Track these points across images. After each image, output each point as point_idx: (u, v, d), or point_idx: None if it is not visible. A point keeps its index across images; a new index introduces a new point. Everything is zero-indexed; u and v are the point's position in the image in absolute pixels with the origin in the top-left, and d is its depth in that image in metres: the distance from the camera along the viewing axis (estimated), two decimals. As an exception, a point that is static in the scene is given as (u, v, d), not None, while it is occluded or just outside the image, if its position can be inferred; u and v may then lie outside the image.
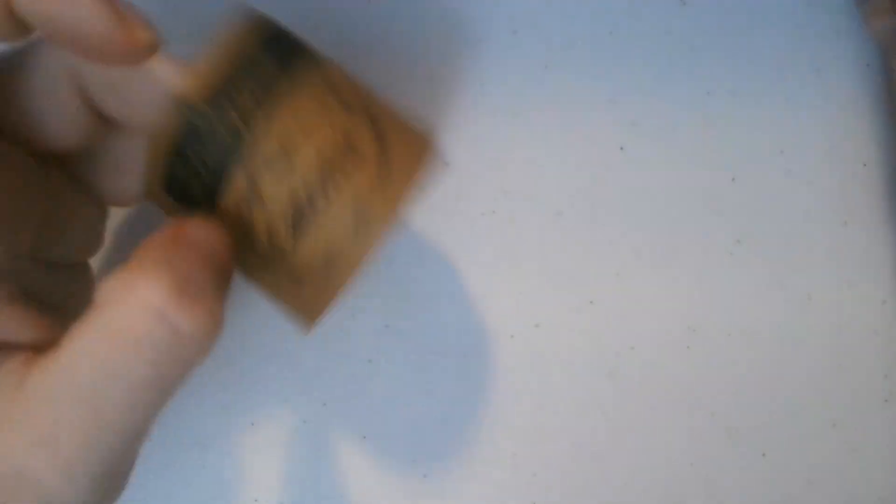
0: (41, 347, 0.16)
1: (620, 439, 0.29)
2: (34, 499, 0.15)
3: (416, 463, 0.29)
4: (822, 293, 0.29)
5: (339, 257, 0.18)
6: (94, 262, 0.24)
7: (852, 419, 0.28)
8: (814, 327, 0.29)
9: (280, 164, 0.18)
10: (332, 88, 0.18)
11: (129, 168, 0.21)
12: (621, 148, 0.28)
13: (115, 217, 0.26)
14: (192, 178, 0.18)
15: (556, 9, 0.27)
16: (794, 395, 0.29)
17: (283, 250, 0.18)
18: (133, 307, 0.15)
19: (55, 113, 0.18)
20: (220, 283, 0.17)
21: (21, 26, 0.16)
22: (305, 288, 0.19)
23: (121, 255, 0.26)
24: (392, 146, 0.19)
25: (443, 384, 0.29)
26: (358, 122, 0.18)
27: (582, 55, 0.28)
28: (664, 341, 0.29)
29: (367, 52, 0.27)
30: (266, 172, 0.17)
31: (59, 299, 0.20)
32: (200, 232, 0.17)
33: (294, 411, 0.28)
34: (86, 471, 0.15)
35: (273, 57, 0.18)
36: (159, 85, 0.18)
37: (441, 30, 0.27)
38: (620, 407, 0.29)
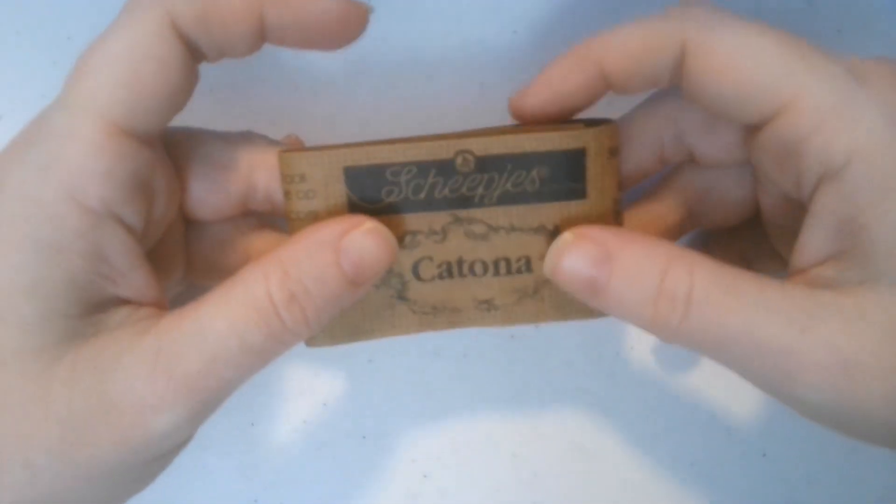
0: (158, 305, 0.20)
1: (620, 439, 0.29)
2: (135, 419, 0.18)
3: (416, 463, 0.29)
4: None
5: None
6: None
7: (852, 419, 0.28)
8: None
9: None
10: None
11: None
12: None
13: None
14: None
15: (556, 9, 0.27)
16: (794, 395, 0.29)
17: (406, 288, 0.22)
18: (262, 293, 0.18)
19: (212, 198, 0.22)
20: (335, 300, 0.19)
21: (259, 41, 0.20)
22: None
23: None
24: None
25: (443, 384, 0.29)
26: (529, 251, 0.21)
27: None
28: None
29: (367, 53, 0.27)
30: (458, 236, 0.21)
31: None
32: (360, 247, 0.19)
33: (294, 411, 0.28)
34: (187, 404, 0.18)
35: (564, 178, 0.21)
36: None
37: (441, 30, 0.27)
38: (621, 407, 0.29)
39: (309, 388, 0.28)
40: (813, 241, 0.19)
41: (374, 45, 0.27)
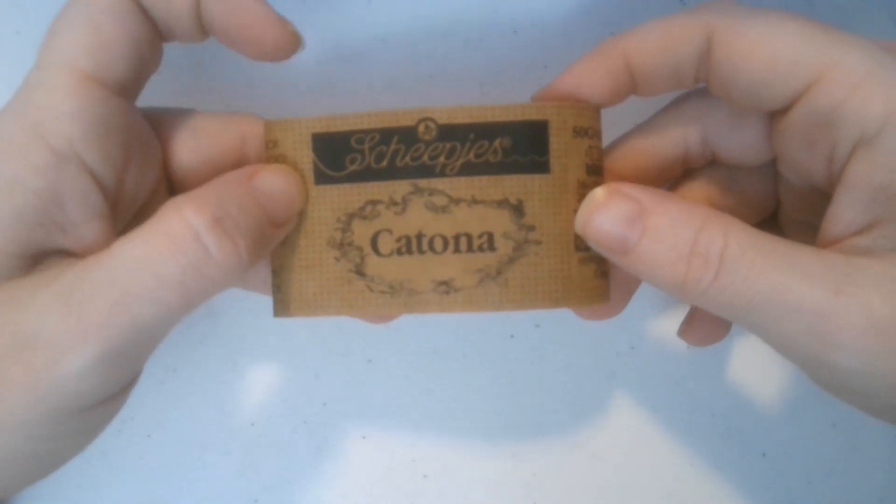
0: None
1: (620, 439, 0.29)
2: (45, 358, 0.18)
3: (416, 463, 0.29)
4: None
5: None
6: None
7: (852, 419, 0.28)
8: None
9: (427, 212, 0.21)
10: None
11: None
12: (621, 148, 0.28)
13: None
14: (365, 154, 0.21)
15: (556, 9, 0.27)
16: (794, 395, 0.29)
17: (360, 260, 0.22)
18: (176, 221, 0.18)
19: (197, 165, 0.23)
20: (260, 231, 0.19)
21: (201, 28, 0.20)
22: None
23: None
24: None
25: (443, 384, 0.29)
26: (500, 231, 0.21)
27: (582, 55, 0.28)
28: (664, 341, 0.29)
29: (367, 52, 0.27)
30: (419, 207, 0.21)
31: None
32: (270, 183, 0.20)
33: (294, 411, 0.29)
34: (98, 342, 0.17)
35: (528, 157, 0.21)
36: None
37: (441, 30, 0.27)
38: (620, 407, 0.29)
39: (309, 388, 0.28)
40: (846, 212, 0.19)
41: (374, 45, 0.27)
